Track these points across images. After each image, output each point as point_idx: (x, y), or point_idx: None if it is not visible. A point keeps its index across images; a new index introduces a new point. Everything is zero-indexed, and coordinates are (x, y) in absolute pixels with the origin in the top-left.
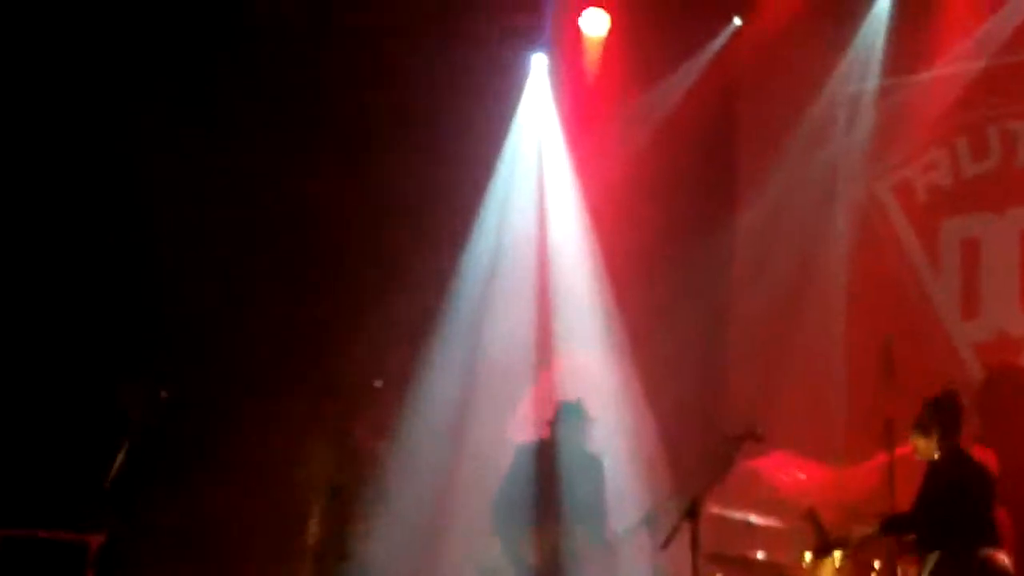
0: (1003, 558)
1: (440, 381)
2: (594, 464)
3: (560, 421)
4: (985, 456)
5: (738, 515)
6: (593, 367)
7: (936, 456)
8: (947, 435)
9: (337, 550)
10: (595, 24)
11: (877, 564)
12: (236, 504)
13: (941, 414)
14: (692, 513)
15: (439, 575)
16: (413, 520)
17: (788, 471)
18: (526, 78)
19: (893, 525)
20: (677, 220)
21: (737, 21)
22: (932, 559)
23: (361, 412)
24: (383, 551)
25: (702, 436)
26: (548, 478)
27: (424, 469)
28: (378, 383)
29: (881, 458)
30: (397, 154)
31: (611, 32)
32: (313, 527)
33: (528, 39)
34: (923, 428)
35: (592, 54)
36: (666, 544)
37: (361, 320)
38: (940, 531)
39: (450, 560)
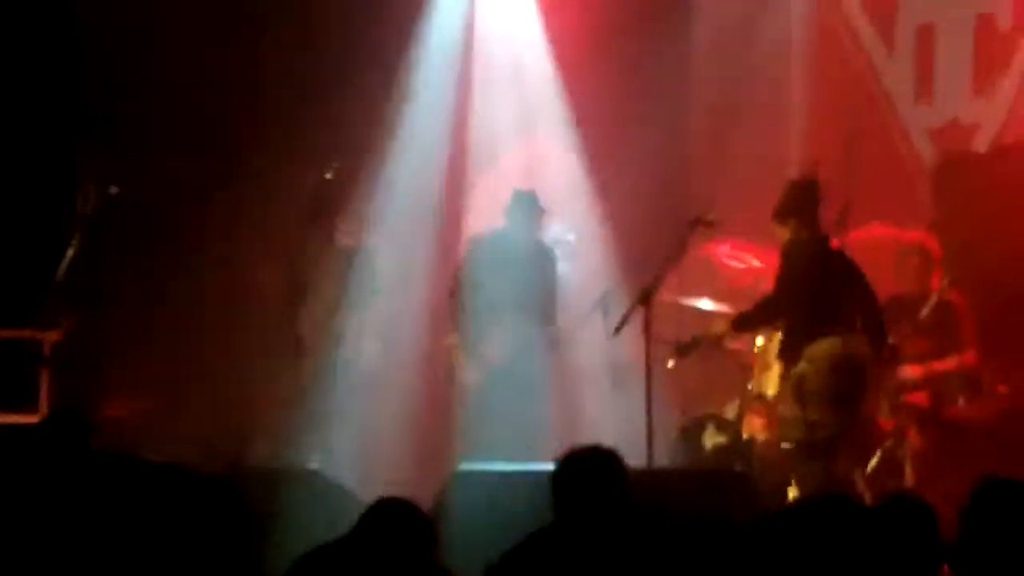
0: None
1: (405, 164)
2: (546, 254)
3: (512, 211)
4: (928, 242)
5: (692, 301)
6: (549, 158)
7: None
8: (803, 222)
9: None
10: None
11: None
12: (203, 298)
13: (796, 201)
14: (645, 299)
15: (417, 373)
16: (386, 317)
17: (742, 258)
18: None
19: (743, 320)
20: (631, 11)
21: None
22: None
23: (325, 203)
24: (367, 347)
25: (658, 224)
26: (500, 268)
27: (390, 263)
28: (329, 174)
29: (835, 242)
30: None
31: None
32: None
33: None
34: (779, 216)
35: None
36: (618, 329)
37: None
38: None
39: (425, 357)
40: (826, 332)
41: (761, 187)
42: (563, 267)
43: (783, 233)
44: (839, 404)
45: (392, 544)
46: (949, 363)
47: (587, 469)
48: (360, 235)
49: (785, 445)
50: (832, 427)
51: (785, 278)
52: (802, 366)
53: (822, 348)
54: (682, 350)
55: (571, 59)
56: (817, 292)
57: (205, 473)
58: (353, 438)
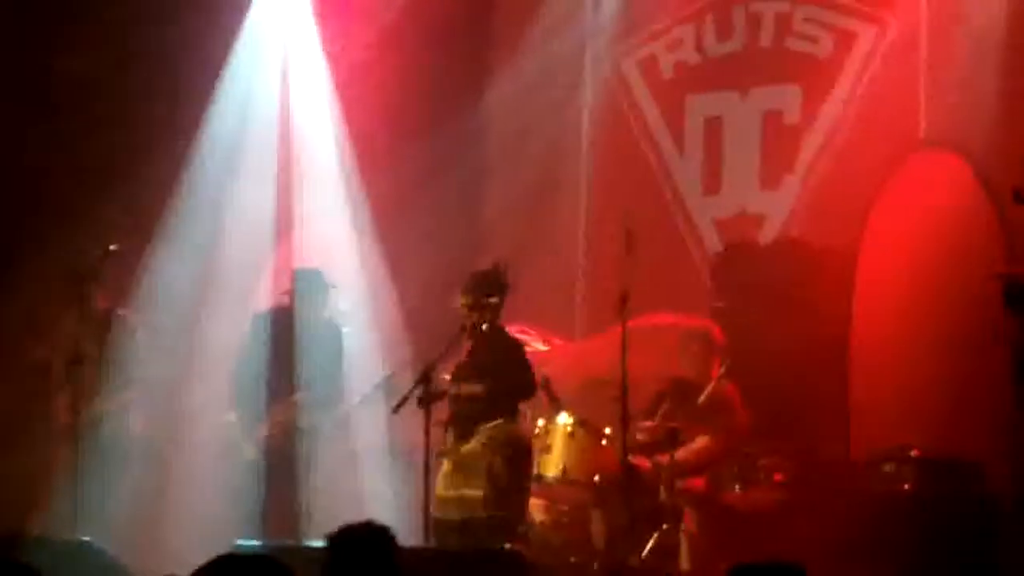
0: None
1: (179, 253)
2: (332, 332)
3: (297, 288)
4: (711, 329)
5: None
6: (337, 237)
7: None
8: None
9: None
10: None
11: (608, 430)
12: None
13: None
14: (425, 379)
15: (195, 449)
16: (165, 391)
17: (526, 341)
18: None
19: None
20: (431, 93)
21: None
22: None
23: (99, 277)
24: (137, 425)
25: (443, 305)
26: (285, 347)
27: (170, 338)
28: (114, 246)
29: (615, 330)
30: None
31: None
32: (60, 405)
33: None
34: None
35: None
36: (397, 408)
37: (101, 189)
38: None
39: (205, 434)
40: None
41: (550, 274)
42: (349, 346)
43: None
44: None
45: None
46: (722, 449)
47: (359, 546)
48: (137, 310)
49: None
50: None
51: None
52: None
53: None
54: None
55: (366, 139)
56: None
57: None
58: (129, 512)
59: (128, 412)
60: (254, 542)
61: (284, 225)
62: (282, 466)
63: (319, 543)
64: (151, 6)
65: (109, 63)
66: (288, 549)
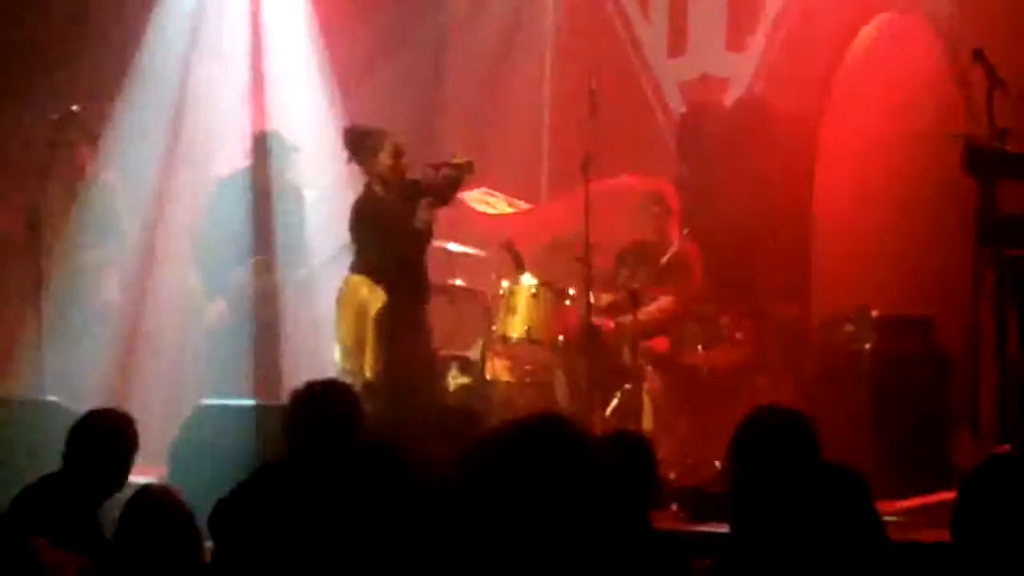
0: None
1: (143, 116)
2: (294, 195)
3: (257, 150)
4: (667, 190)
5: (438, 243)
6: (300, 102)
7: None
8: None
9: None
10: None
11: (572, 291)
12: None
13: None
14: None
15: (160, 312)
16: (133, 254)
17: (491, 204)
18: None
19: None
20: None
21: None
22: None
23: (67, 137)
24: (105, 288)
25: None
26: (247, 210)
27: (138, 198)
28: (76, 107)
29: (579, 193)
30: None
31: None
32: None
33: None
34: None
35: None
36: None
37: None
38: None
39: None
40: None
41: (516, 135)
42: (311, 212)
43: None
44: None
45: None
46: (684, 311)
47: (321, 403)
48: (101, 170)
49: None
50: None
51: None
52: None
53: None
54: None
55: (330, 16)
56: None
57: None
58: (98, 374)
59: (100, 274)
60: (221, 401)
61: (249, 89)
62: (246, 328)
63: (283, 403)
64: None
65: None
66: (254, 407)
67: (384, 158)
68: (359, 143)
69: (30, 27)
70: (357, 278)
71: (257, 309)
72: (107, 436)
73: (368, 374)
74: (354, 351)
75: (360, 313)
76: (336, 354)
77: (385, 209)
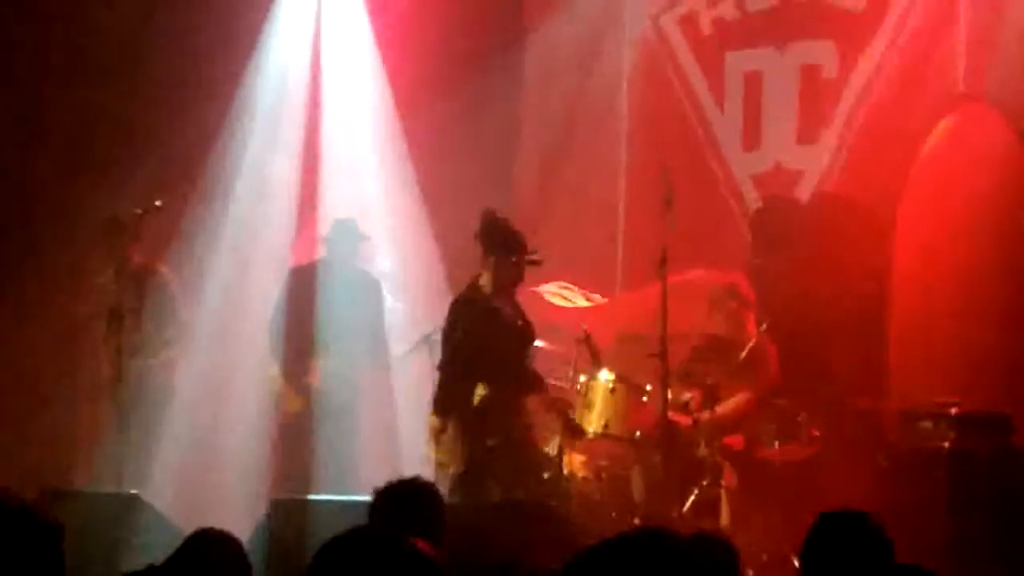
0: None
1: (219, 209)
2: (371, 284)
3: (332, 240)
4: (742, 285)
5: None
6: (374, 192)
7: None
8: (499, 257)
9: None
10: None
11: (648, 386)
12: (15, 340)
13: (482, 243)
14: None
15: (237, 404)
16: (207, 346)
17: (566, 296)
18: None
19: None
20: (468, 46)
21: None
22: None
23: (135, 233)
24: (180, 381)
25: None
26: (323, 300)
27: (211, 295)
28: (158, 202)
29: (656, 286)
30: None
31: None
32: (103, 359)
33: None
34: (483, 264)
35: None
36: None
37: (140, 146)
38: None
39: (247, 387)
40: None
41: (591, 231)
42: (391, 301)
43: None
44: None
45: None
46: (760, 406)
47: (404, 502)
48: (174, 266)
49: None
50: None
51: None
52: None
53: None
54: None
55: (405, 94)
56: None
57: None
58: (175, 466)
59: (171, 367)
60: (296, 496)
61: (323, 181)
62: (327, 419)
63: (363, 497)
64: None
65: (139, 18)
66: (330, 502)
67: (515, 261)
68: (499, 237)
69: (120, 112)
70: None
71: (334, 400)
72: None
73: (462, 467)
74: (449, 443)
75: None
76: (427, 446)
77: (492, 305)
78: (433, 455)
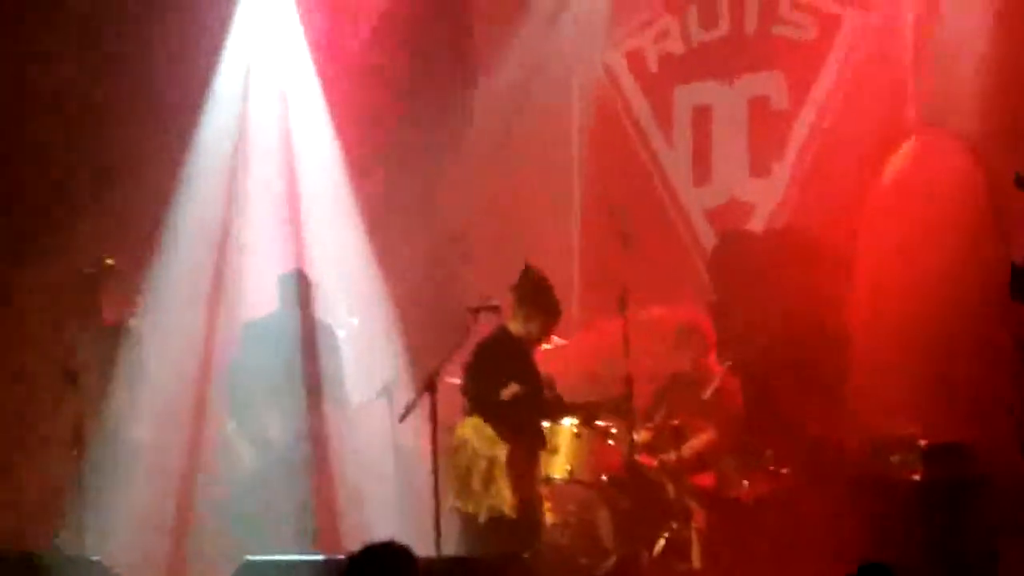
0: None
1: (177, 264)
2: (327, 334)
3: (282, 292)
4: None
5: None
6: (328, 241)
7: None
8: (530, 311)
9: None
10: None
11: (614, 430)
12: None
13: (518, 295)
14: (430, 385)
15: (203, 456)
16: (171, 399)
17: None
18: None
19: None
20: (417, 93)
21: None
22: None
23: (102, 288)
24: (142, 434)
25: (440, 308)
26: (279, 351)
27: (176, 346)
28: (110, 260)
29: (615, 324)
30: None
31: None
32: (67, 413)
33: None
34: (513, 313)
35: None
36: (403, 417)
37: (91, 201)
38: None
39: (213, 438)
40: None
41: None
42: (346, 350)
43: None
44: None
45: None
46: (727, 444)
47: (380, 566)
48: (131, 318)
49: None
50: None
51: None
52: None
53: None
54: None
55: (352, 141)
56: None
57: None
58: (132, 526)
59: (133, 420)
60: (264, 557)
61: (278, 233)
62: (285, 472)
63: (334, 556)
64: (131, 10)
65: (89, 69)
66: (297, 562)
67: (545, 319)
68: (535, 292)
69: (58, 179)
70: (476, 421)
71: (298, 454)
72: None
73: (488, 514)
74: (478, 492)
75: (486, 455)
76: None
77: (521, 351)
78: (456, 503)
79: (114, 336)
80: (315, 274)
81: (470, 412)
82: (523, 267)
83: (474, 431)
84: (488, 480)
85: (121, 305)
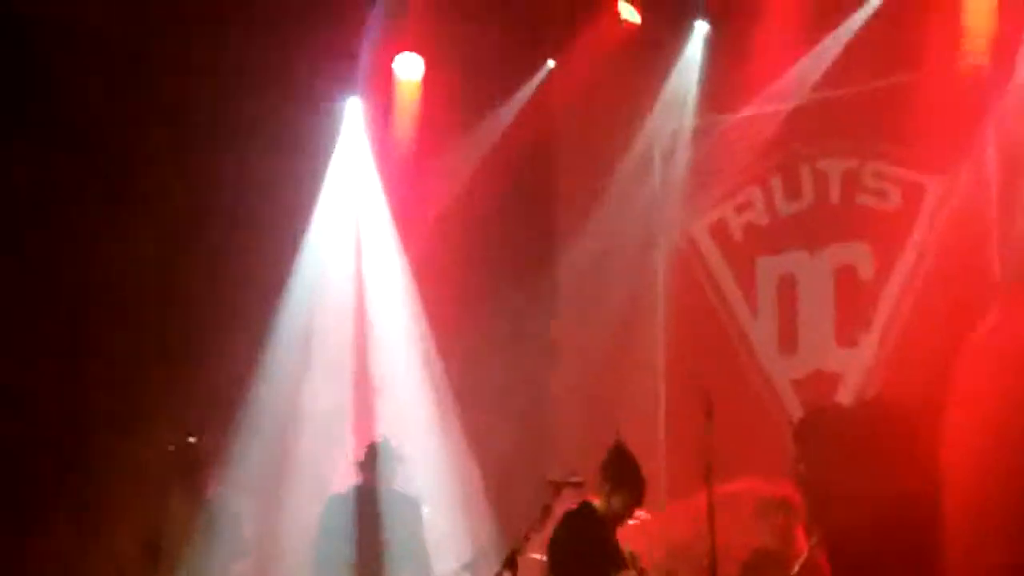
0: None
1: (259, 438)
2: (410, 506)
3: (367, 463)
4: (792, 497)
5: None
6: (413, 414)
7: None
8: (616, 488)
9: None
10: (410, 68)
11: None
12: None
13: (605, 471)
14: (511, 562)
15: None
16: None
17: None
18: (341, 124)
19: None
20: (500, 265)
21: (551, 63)
22: None
23: (180, 470)
24: None
25: (525, 481)
26: (363, 524)
27: (247, 526)
28: (192, 439)
29: (701, 496)
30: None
31: (426, 76)
32: None
33: (342, 84)
34: (598, 488)
35: (407, 99)
36: None
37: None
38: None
39: None
40: None
41: (632, 445)
42: (429, 523)
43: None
44: None
45: None
46: None
47: None
48: (222, 495)
49: None
50: None
51: None
52: None
53: None
54: None
55: (439, 315)
56: None
57: None
58: None
59: None
60: None
61: (356, 403)
62: None
63: None
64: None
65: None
66: None
67: (629, 496)
68: (623, 470)
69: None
70: None
71: None
72: None
73: None
74: None
75: None
76: None
77: (604, 528)
78: None
79: (201, 509)
80: (398, 445)
81: None
82: (613, 443)
83: None
84: None
85: (206, 480)
